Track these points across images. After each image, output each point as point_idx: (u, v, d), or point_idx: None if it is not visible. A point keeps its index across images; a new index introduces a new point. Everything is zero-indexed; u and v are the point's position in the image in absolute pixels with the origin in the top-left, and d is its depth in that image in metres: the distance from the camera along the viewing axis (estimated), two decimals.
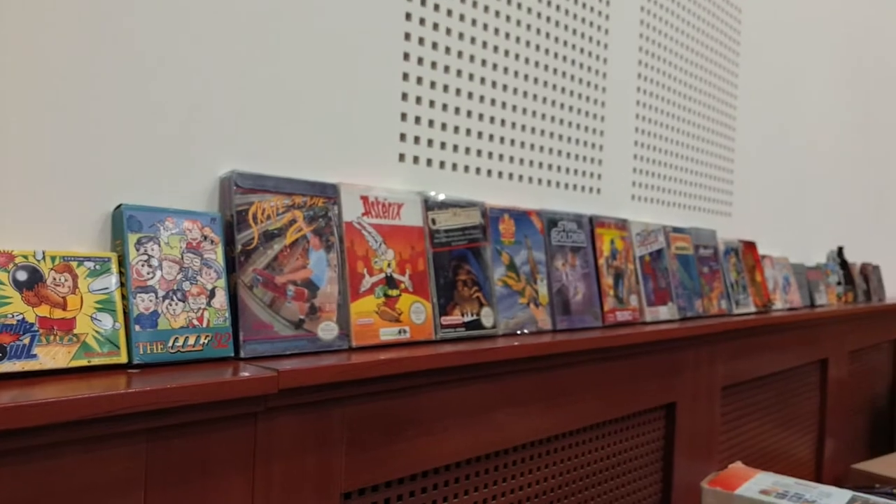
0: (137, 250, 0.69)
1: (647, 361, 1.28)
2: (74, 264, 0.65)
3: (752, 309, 1.74)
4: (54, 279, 0.64)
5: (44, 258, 0.64)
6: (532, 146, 1.23)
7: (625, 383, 1.23)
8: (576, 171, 1.34)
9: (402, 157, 1.01)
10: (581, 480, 1.18)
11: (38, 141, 0.66)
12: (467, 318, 0.99)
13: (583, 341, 1.08)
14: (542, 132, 1.25)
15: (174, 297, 0.70)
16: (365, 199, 0.90)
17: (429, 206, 0.98)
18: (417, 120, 1.03)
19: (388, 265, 0.91)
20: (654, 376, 1.31)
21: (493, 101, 1.15)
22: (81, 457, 0.58)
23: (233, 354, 0.74)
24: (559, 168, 1.30)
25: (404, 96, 1.01)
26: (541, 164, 1.25)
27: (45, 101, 0.67)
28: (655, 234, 1.43)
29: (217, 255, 0.75)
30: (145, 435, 0.62)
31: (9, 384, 0.58)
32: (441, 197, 1.00)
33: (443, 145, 1.07)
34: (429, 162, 1.05)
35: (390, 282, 0.91)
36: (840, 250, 2.47)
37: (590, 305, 1.22)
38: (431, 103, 1.05)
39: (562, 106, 1.29)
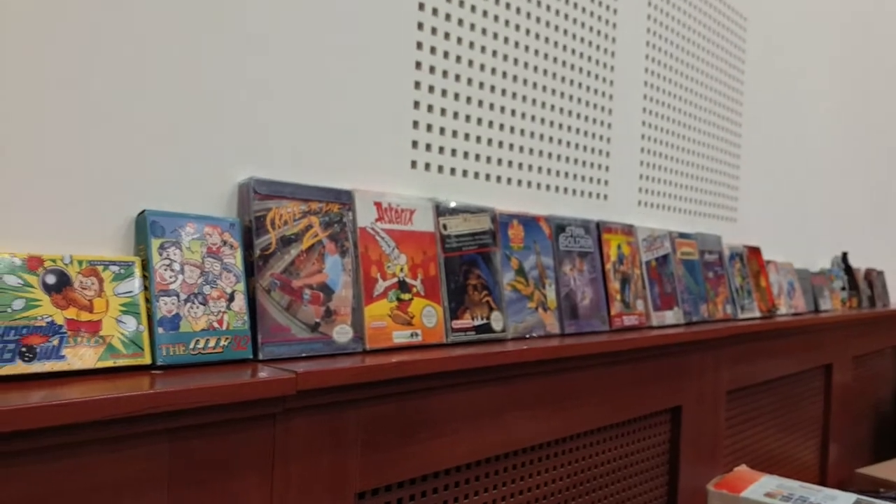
0: (160, 255, 0.71)
1: (654, 365, 1.30)
2: (100, 268, 0.67)
3: (757, 314, 1.75)
4: (81, 283, 0.66)
5: (71, 262, 0.66)
6: (540, 153, 1.25)
7: (631, 387, 1.24)
8: (583, 178, 1.36)
9: (414, 164, 1.03)
10: (588, 482, 1.19)
11: (65, 149, 0.69)
12: (477, 322, 1.01)
13: (590, 345, 1.10)
14: (551, 139, 1.27)
15: (195, 301, 0.72)
16: (378, 205, 0.92)
17: (440, 211, 1.00)
18: (429, 127, 1.05)
19: (401, 270, 0.93)
20: (660, 380, 1.32)
21: (502, 109, 1.17)
22: (106, 456, 0.60)
23: (251, 356, 0.76)
24: (567, 175, 1.32)
25: (416, 104, 1.03)
26: (549, 171, 1.27)
27: (71, 112, 0.69)
28: (661, 239, 1.45)
29: (236, 260, 0.77)
30: (168, 435, 0.64)
31: (38, 384, 0.60)
32: (452, 203, 1.02)
33: (453, 152, 1.09)
34: (440, 169, 1.07)
35: (403, 286, 0.93)
36: (844, 256, 2.49)
37: (597, 310, 1.24)
38: (443, 111, 1.07)
39: (569, 113, 1.31)
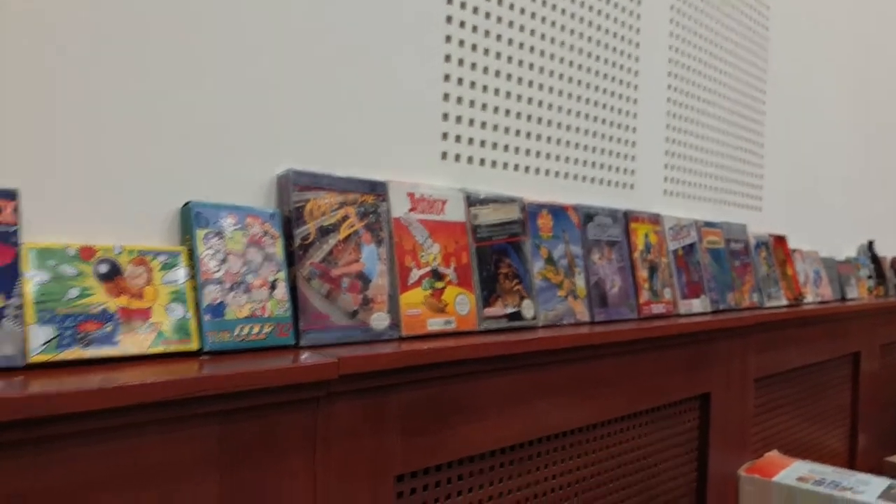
0: (205, 245, 0.73)
1: (682, 353, 1.31)
2: (149, 258, 0.70)
3: (784, 302, 1.75)
4: (132, 272, 0.68)
5: (122, 252, 0.68)
6: (568, 143, 1.26)
7: (660, 374, 1.25)
8: (610, 167, 1.37)
9: (444, 156, 1.05)
10: (618, 468, 1.21)
11: (116, 145, 0.71)
12: (509, 310, 1.03)
13: (619, 332, 1.11)
14: (578, 129, 1.28)
15: (239, 289, 0.74)
16: (411, 195, 0.94)
17: (471, 201, 1.02)
18: (459, 119, 1.07)
19: (434, 259, 0.95)
20: (689, 367, 1.33)
21: (530, 100, 1.18)
22: (160, 437, 0.63)
23: (293, 343, 0.78)
24: (594, 164, 1.33)
25: (446, 97, 1.04)
26: (577, 161, 1.28)
27: (119, 108, 0.71)
28: (688, 228, 1.46)
29: (277, 249, 0.79)
30: (217, 418, 0.66)
31: (94, 369, 0.62)
32: (482, 193, 1.04)
33: (482, 143, 1.11)
34: (469, 160, 1.09)
35: (436, 275, 0.94)
36: (870, 244, 2.47)
37: (625, 298, 1.25)
38: (472, 103, 1.08)
39: (596, 104, 1.32)
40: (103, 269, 0.66)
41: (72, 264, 0.65)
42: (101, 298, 0.66)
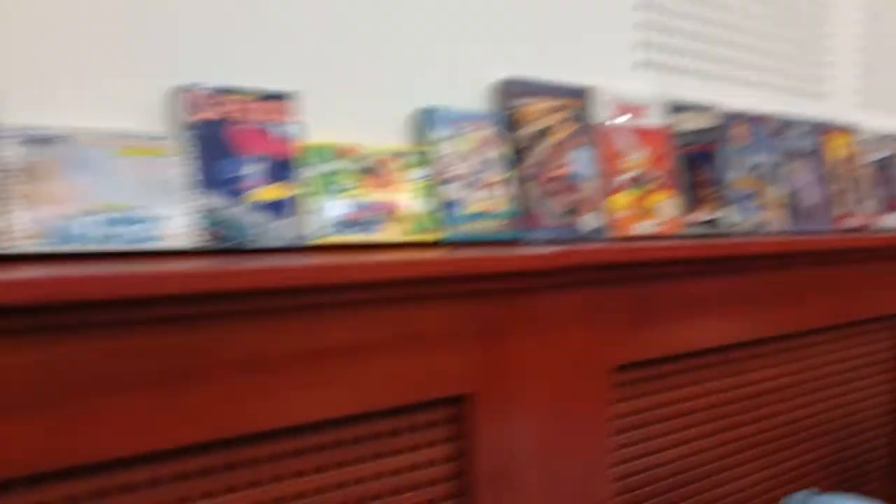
0: (442, 146, 0.80)
1: (880, 268, 1.26)
2: (397, 157, 0.77)
3: None
4: (383, 169, 0.76)
5: (376, 151, 0.76)
6: (764, 51, 1.23)
7: (859, 288, 1.22)
8: (805, 77, 1.32)
9: (646, 64, 1.06)
10: (816, 381, 1.19)
11: (366, 59, 0.78)
12: (707, 217, 1.04)
13: (817, 241, 1.09)
14: (774, 37, 1.24)
15: (472, 188, 0.81)
16: (616, 103, 0.97)
17: (671, 109, 1.03)
18: (657, 28, 1.07)
19: (638, 164, 0.97)
20: (889, 284, 1.28)
21: (728, 7, 1.16)
22: (416, 310, 0.70)
23: (517, 238, 0.84)
24: (789, 73, 1.28)
25: (645, 4, 1.05)
26: (772, 69, 1.25)
27: (375, 30, 0.78)
28: (885, 140, 1.38)
29: (502, 152, 0.84)
30: (460, 297, 0.73)
31: (360, 251, 0.70)
32: (682, 101, 1.04)
33: (681, 52, 1.10)
34: (671, 68, 1.09)
35: (640, 180, 0.97)
36: None
37: (821, 209, 1.22)
38: (669, 11, 1.08)
39: (790, 8, 1.27)
40: (363, 165, 0.74)
41: (339, 161, 0.73)
42: (362, 192, 0.74)
